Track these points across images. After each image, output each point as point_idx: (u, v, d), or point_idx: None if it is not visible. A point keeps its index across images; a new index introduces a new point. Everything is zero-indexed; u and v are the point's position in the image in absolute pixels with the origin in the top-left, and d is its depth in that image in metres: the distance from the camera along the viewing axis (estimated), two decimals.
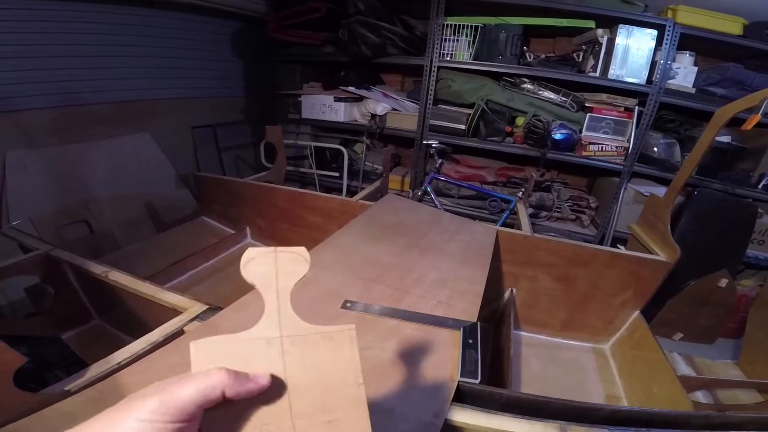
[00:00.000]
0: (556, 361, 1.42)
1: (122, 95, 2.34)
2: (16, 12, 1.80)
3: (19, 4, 1.80)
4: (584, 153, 2.42)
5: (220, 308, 0.88)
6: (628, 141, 2.35)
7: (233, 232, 1.96)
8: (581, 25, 2.31)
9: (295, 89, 3.03)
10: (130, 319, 1.17)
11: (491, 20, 2.41)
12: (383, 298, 0.91)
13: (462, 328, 0.81)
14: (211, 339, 0.32)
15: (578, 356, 1.44)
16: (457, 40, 2.48)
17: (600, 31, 2.26)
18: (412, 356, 0.73)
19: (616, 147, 2.38)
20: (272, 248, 0.35)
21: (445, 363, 0.72)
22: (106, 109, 2.26)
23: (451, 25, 2.45)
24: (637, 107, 2.31)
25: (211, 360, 0.31)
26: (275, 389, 0.32)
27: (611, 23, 2.22)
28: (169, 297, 0.98)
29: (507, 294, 1.48)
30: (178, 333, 0.83)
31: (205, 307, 0.91)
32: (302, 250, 0.35)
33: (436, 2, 2.39)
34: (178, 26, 2.54)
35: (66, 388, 0.67)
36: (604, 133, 2.43)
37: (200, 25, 2.67)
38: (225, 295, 1.48)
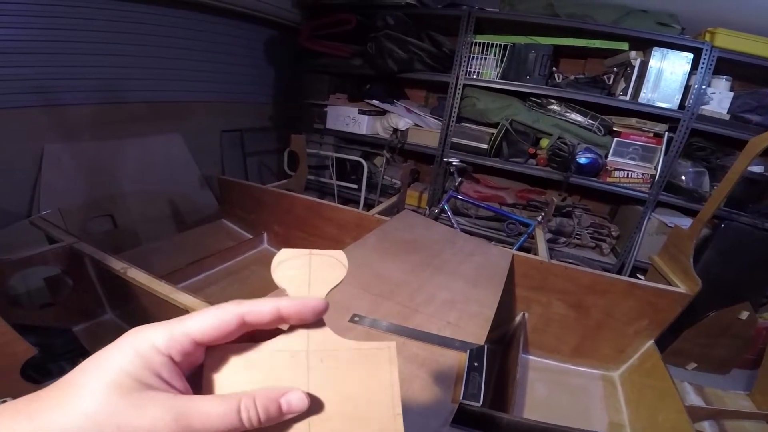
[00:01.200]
0: (562, 386, 1.39)
1: (158, 95, 2.42)
2: (68, 9, 1.89)
3: (76, 2, 1.90)
4: (609, 179, 2.37)
5: None
6: (656, 168, 2.28)
7: (250, 236, 1.99)
8: (614, 46, 2.28)
9: (322, 99, 3.08)
10: (142, 316, 1.19)
11: (521, 39, 2.41)
12: (391, 315, 0.90)
13: (469, 351, 0.79)
14: (229, 346, 0.29)
15: (586, 383, 1.40)
16: (485, 59, 2.49)
17: (633, 53, 2.22)
18: (415, 375, 0.72)
19: (643, 174, 2.32)
20: (307, 251, 0.32)
21: (448, 384, 0.71)
22: (142, 108, 2.35)
23: (479, 43, 2.45)
24: (667, 133, 2.25)
25: (228, 369, 0.28)
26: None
27: (646, 45, 2.18)
28: (182, 298, 1.00)
29: (518, 318, 1.46)
30: None
31: None
32: (339, 254, 0.33)
33: (465, 20, 2.41)
34: (216, 30, 2.62)
35: None
36: (630, 159, 2.37)
37: (236, 30, 2.75)
38: (236, 298, 1.51)
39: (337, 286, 0.32)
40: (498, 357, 1.40)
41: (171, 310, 1.00)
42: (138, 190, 2.24)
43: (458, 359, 0.77)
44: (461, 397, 0.66)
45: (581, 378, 1.42)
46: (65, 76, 1.97)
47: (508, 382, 1.12)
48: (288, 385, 0.28)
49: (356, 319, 0.87)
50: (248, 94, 3.03)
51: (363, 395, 0.29)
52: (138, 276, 1.10)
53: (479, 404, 0.66)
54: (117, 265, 1.16)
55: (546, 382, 1.39)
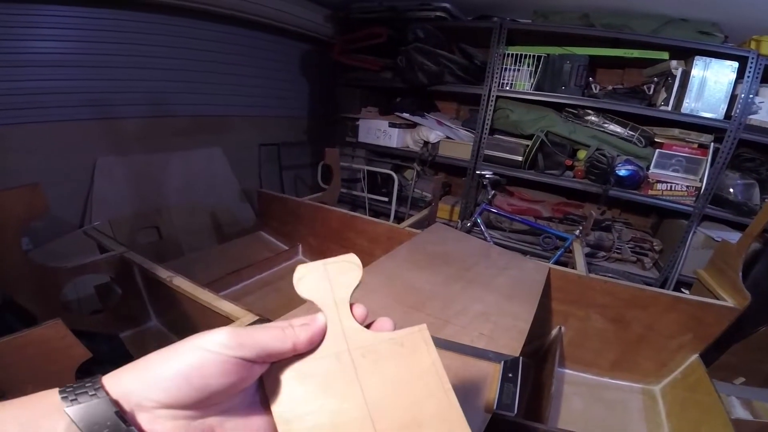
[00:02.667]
0: (600, 400, 1.34)
1: (201, 110, 2.55)
2: (118, 23, 2.04)
3: (126, 16, 2.05)
4: (651, 192, 2.28)
5: (269, 320, 0.92)
6: (701, 181, 2.18)
7: (286, 248, 2.04)
8: (654, 56, 2.22)
9: (354, 113, 3.14)
10: (185, 323, 1.25)
11: (555, 50, 2.38)
12: None
13: (503, 362, 0.78)
14: (279, 363, 0.31)
15: (625, 397, 1.35)
16: (518, 70, 2.47)
17: (674, 62, 2.15)
18: None
19: (687, 187, 2.22)
20: (320, 261, 0.34)
21: (481, 394, 0.71)
22: (186, 122, 2.48)
23: (512, 54, 2.44)
24: (712, 144, 2.15)
25: (285, 384, 0.30)
26: (355, 410, 0.29)
27: (687, 55, 2.11)
28: (224, 305, 1.05)
29: (554, 332, 1.42)
30: None
31: (256, 317, 0.96)
32: (351, 257, 0.35)
33: (497, 32, 2.41)
34: (254, 45, 2.75)
35: None
36: (674, 171, 2.28)
37: (273, 44, 2.87)
38: (273, 307, 1.56)
39: (357, 286, 0.34)
40: (532, 371, 1.37)
41: (213, 318, 1.05)
42: (182, 203, 2.36)
43: (492, 370, 0.77)
44: (495, 407, 0.66)
45: (620, 392, 1.38)
46: (116, 89, 2.11)
47: (543, 394, 1.09)
48: (341, 388, 0.30)
49: None
50: (284, 108, 3.14)
51: (411, 379, 0.30)
52: (183, 284, 1.16)
53: (513, 414, 0.65)
54: (163, 273, 1.23)
55: (582, 396, 1.34)
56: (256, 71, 2.82)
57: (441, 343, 0.84)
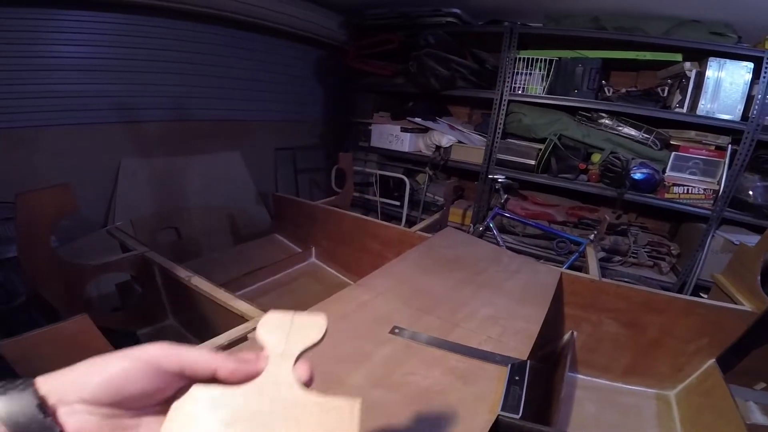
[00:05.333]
0: (612, 405, 1.32)
1: (221, 114, 2.61)
2: (148, 29, 2.11)
3: (150, 22, 2.11)
4: (667, 195, 2.25)
5: None
6: (719, 183, 2.14)
7: (300, 250, 2.08)
8: (667, 58, 2.20)
9: (366, 118, 3.18)
10: (201, 322, 1.29)
11: (567, 54, 2.38)
12: (432, 329, 0.92)
13: (510, 365, 0.80)
14: (208, 385, 0.31)
15: (638, 402, 1.33)
16: (530, 74, 2.47)
17: (688, 64, 2.13)
18: (453, 386, 0.74)
19: (704, 189, 2.18)
20: (291, 313, 0.35)
21: (487, 396, 0.72)
22: (207, 126, 2.54)
23: (523, 58, 2.45)
24: (730, 146, 2.11)
25: (195, 404, 0.29)
26: None
27: (701, 56, 2.09)
28: (239, 305, 1.08)
29: (567, 336, 1.41)
30: (242, 339, 0.91)
31: None
32: (321, 318, 0.35)
33: (508, 37, 2.42)
34: (272, 50, 2.81)
35: None
36: (690, 173, 2.24)
37: (289, 50, 2.93)
38: (286, 307, 1.56)
39: (312, 347, 0.34)
40: (544, 376, 1.37)
41: (229, 317, 1.08)
42: (201, 205, 2.42)
43: (498, 373, 0.78)
44: (500, 409, 0.67)
45: (633, 397, 1.36)
46: (141, 94, 2.17)
47: (553, 399, 1.10)
48: (247, 430, 0.29)
49: (396, 330, 0.90)
50: (299, 113, 3.19)
51: None
52: (201, 284, 1.20)
53: (518, 416, 0.66)
54: (182, 273, 1.27)
55: (595, 401, 1.33)
56: (273, 77, 2.87)
57: (449, 346, 0.86)
